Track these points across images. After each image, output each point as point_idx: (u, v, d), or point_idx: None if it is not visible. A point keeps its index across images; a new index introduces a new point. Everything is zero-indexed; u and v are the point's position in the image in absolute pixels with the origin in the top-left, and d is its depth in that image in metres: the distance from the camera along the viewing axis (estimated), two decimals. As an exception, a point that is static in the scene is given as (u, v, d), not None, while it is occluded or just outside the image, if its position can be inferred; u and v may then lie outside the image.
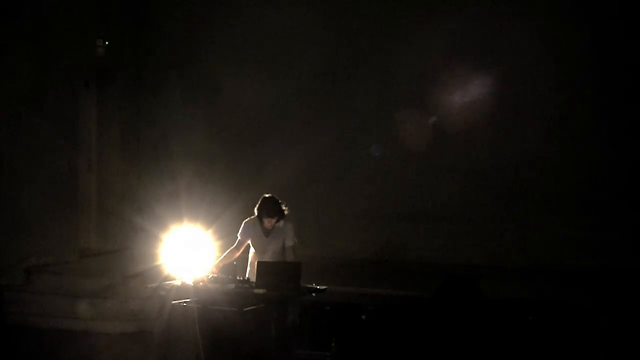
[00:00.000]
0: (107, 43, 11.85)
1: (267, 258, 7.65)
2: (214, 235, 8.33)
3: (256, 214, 7.69)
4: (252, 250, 7.90)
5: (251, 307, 7.16)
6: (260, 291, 7.15)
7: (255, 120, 12.45)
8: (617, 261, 10.70)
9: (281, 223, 7.69)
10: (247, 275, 7.75)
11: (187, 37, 12.67)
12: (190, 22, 12.69)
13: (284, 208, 7.67)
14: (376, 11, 12.10)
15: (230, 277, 7.50)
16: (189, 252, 7.92)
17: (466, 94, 11.60)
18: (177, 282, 7.65)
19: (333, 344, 7.62)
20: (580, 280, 10.16)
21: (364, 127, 12.13)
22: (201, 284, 7.42)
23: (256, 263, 7.37)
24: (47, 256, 10.51)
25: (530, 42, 11.40)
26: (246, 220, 7.85)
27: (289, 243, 7.72)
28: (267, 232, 7.73)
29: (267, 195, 7.71)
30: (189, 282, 7.49)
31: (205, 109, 12.50)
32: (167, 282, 7.84)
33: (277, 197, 7.71)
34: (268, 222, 7.64)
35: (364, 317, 8.33)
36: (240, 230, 7.84)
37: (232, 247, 7.86)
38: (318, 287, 7.45)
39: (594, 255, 10.86)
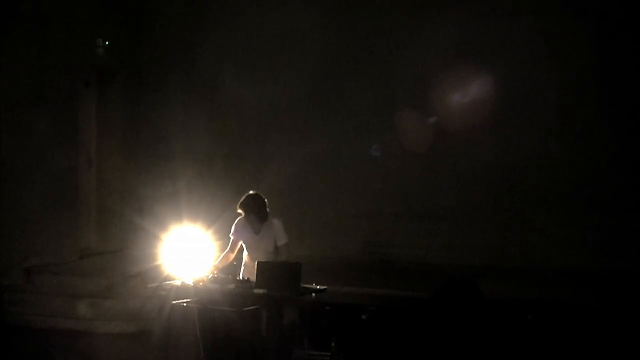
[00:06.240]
0: (107, 43, 11.86)
1: (260, 257, 7.63)
2: (214, 235, 8.34)
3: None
4: (245, 250, 7.91)
5: (251, 307, 7.16)
6: (260, 291, 7.15)
7: (255, 120, 12.45)
8: (617, 261, 10.70)
9: (274, 222, 7.69)
10: (241, 276, 7.75)
11: (187, 36, 12.67)
12: (190, 21, 12.68)
13: (266, 209, 7.66)
14: (376, 11, 12.09)
15: (230, 277, 7.51)
16: (189, 252, 7.93)
17: (466, 94, 11.59)
18: (177, 282, 7.66)
19: (333, 344, 7.61)
20: (581, 281, 10.15)
21: (364, 127, 12.12)
22: (201, 284, 7.43)
23: (256, 263, 7.36)
24: (47, 256, 10.50)
25: (530, 42, 11.39)
26: (237, 220, 7.85)
27: (280, 242, 7.71)
28: (257, 230, 7.74)
29: (250, 192, 7.73)
30: (189, 282, 7.50)
31: (205, 109, 12.49)
32: (167, 282, 7.84)
33: (262, 196, 7.71)
34: (247, 217, 7.63)
35: (364, 317, 8.33)
36: (232, 231, 7.84)
37: (226, 250, 7.87)
38: (318, 287, 7.45)
39: (594, 255, 10.85)
